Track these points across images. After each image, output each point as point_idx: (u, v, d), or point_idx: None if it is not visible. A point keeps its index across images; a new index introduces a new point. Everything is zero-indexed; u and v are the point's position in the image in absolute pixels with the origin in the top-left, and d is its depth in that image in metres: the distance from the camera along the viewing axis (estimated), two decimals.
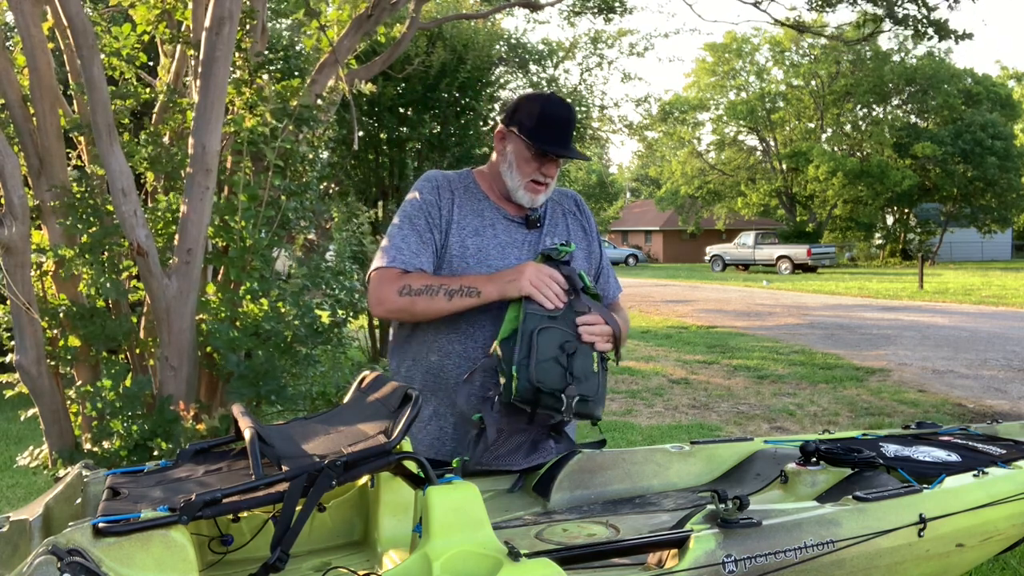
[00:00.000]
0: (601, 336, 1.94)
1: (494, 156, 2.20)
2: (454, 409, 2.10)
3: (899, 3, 7.42)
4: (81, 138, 3.76)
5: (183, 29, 3.86)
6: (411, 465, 1.55)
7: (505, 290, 1.95)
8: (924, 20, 7.40)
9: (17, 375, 3.35)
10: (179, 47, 3.94)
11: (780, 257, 31.42)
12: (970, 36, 7.66)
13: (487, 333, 2.04)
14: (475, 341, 2.05)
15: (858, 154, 37.25)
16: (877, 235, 40.60)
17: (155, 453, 3.14)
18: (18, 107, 3.30)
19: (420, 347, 2.14)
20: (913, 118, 38.64)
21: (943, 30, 7.42)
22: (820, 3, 7.79)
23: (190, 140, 3.25)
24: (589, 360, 1.89)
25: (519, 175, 2.10)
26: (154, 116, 4.02)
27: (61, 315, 3.45)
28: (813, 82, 37.75)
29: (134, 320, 3.67)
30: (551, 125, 2.06)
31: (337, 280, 4.03)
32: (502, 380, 1.88)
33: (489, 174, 2.19)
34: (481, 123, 9.54)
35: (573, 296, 1.94)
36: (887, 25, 7.88)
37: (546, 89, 11.15)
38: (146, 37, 3.93)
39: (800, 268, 30.65)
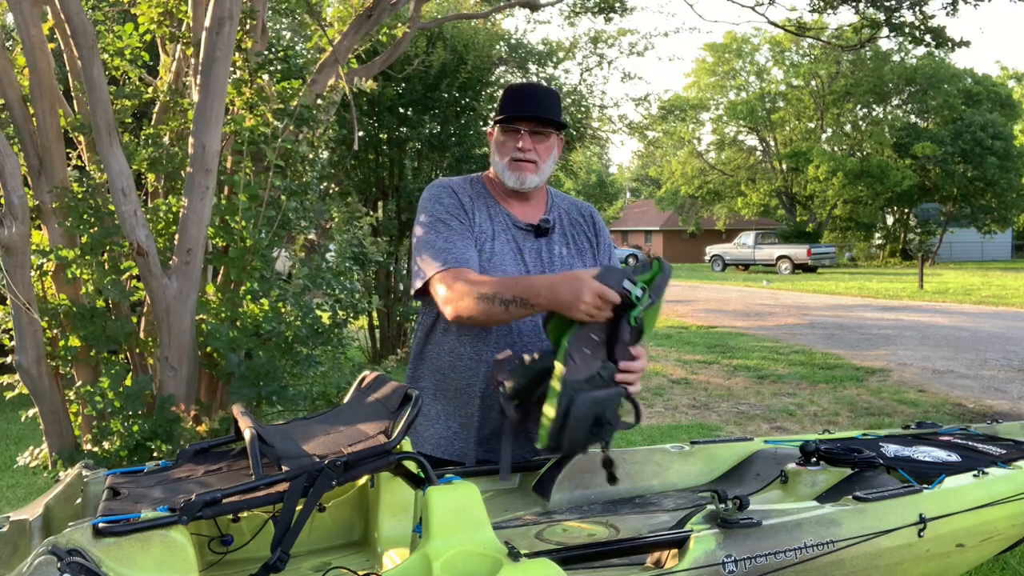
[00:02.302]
0: (637, 376, 1.91)
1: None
2: (463, 409, 2.12)
3: (897, 9, 7.42)
4: (81, 138, 3.76)
5: (183, 28, 3.86)
6: (411, 465, 1.55)
7: (560, 309, 1.85)
8: (922, 27, 7.39)
9: (17, 375, 3.35)
10: (179, 47, 3.94)
11: (780, 257, 31.43)
12: (967, 44, 7.63)
13: (500, 332, 2.05)
14: (486, 343, 2.06)
15: (858, 154, 37.25)
16: (877, 235, 40.61)
17: (155, 453, 3.14)
18: (18, 107, 3.29)
19: (434, 348, 2.15)
20: (913, 118, 38.63)
21: (941, 37, 7.40)
22: (821, 4, 7.79)
23: (190, 140, 3.25)
24: (616, 408, 1.84)
25: (500, 157, 2.13)
26: (154, 116, 4.02)
27: (61, 315, 3.45)
28: (813, 82, 37.75)
29: (134, 320, 3.67)
30: (514, 96, 2.13)
31: (338, 280, 4.03)
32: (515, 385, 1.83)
33: (494, 179, 2.20)
34: (481, 123, 9.55)
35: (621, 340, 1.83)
36: (885, 31, 7.86)
37: None
38: (148, 37, 3.93)
39: (800, 268, 30.65)
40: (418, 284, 2.08)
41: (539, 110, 2.10)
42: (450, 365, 2.11)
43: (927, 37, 7.43)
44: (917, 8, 7.33)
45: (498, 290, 1.90)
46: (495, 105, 9.77)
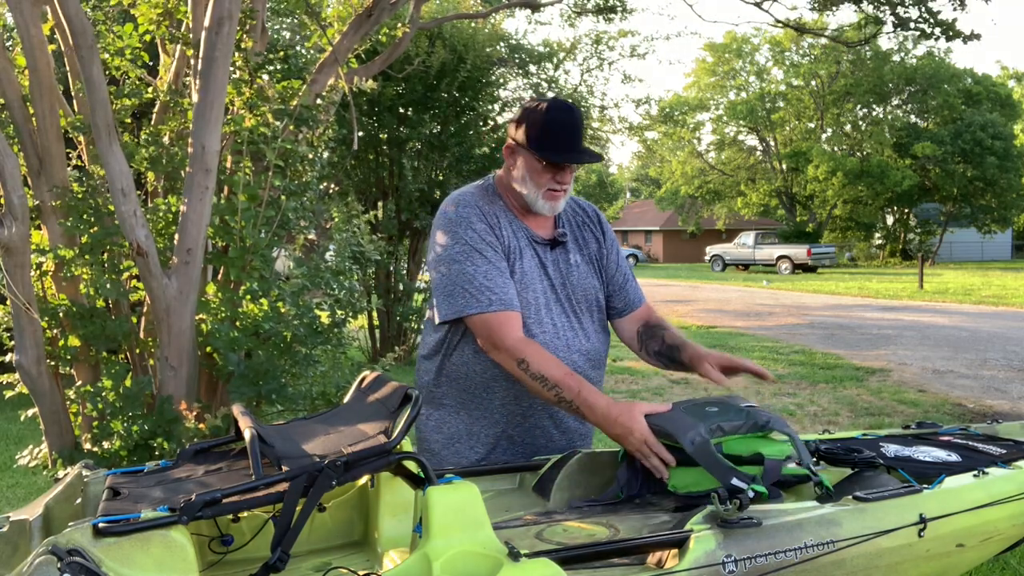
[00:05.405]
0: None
1: (503, 170, 2.18)
2: (490, 429, 2.12)
3: (902, 3, 7.36)
4: (81, 138, 3.76)
5: (183, 29, 3.86)
6: (411, 465, 1.55)
7: (611, 436, 1.92)
8: (930, 21, 7.30)
9: (17, 375, 3.35)
10: (179, 47, 3.94)
11: (780, 257, 31.44)
12: (978, 37, 7.49)
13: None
14: None
15: (858, 154, 37.25)
16: (877, 235, 40.62)
17: (155, 453, 3.14)
18: (18, 107, 3.29)
19: (461, 367, 2.12)
20: (913, 118, 38.63)
21: (951, 30, 7.29)
22: (822, 3, 7.77)
23: (190, 140, 3.25)
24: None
25: (534, 187, 2.07)
26: (154, 116, 4.02)
27: (61, 315, 3.45)
28: (813, 82, 37.75)
29: (134, 320, 3.67)
30: (557, 133, 2.02)
31: (337, 280, 4.03)
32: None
33: (507, 186, 2.16)
34: (481, 123, 9.55)
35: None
36: (889, 27, 7.80)
37: (547, 91, 11.13)
38: (148, 37, 3.93)
39: (800, 268, 30.67)
40: (448, 315, 2.04)
41: (584, 154, 2.07)
42: (483, 385, 2.10)
43: (936, 30, 7.32)
44: (921, 5, 7.26)
45: (560, 384, 1.94)
46: (495, 106, 9.77)
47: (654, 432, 1.86)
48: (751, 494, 1.68)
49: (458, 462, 2.12)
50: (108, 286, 3.42)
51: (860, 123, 39.08)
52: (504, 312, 2.00)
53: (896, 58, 36.47)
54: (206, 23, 3.21)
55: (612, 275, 2.26)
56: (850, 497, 1.74)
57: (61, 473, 3.20)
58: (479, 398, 2.12)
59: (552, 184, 2.06)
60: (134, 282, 3.65)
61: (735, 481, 1.70)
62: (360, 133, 8.53)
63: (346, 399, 1.80)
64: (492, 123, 9.71)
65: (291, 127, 3.72)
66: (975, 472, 1.93)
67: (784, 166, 38.29)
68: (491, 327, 1.99)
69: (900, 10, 7.39)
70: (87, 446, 3.37)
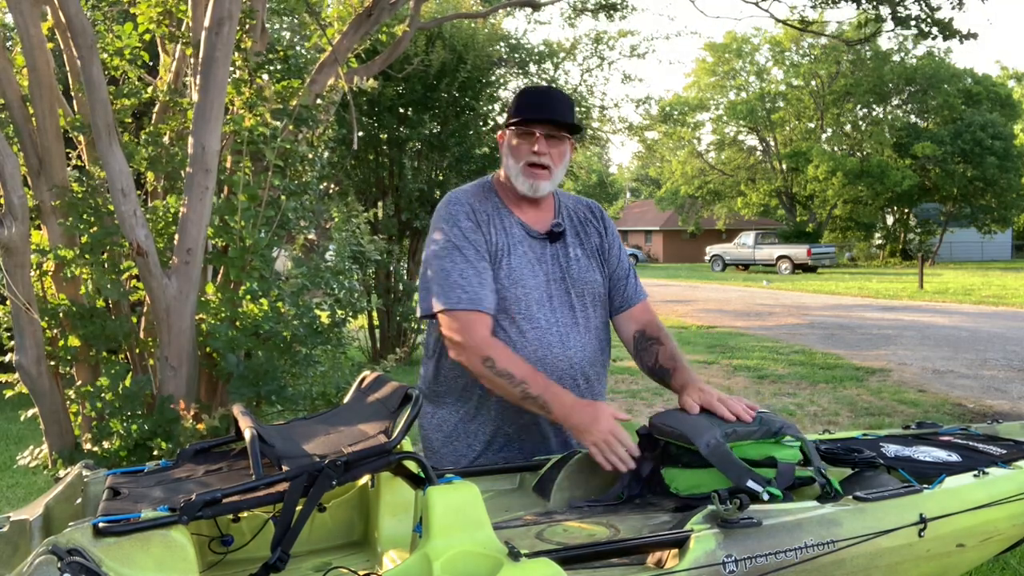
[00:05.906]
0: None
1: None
2: (486, 426, 2.13)
3: (902, 1, 7.35)
4: (81, 138, 3.75)
5: (183, 29, 3.86)
6: (411, 465, 1.55)
7: (572, 429, 1.95)
8: (928, 20, 7.31)
9: (17, 375, 3.34)
10: (179, 47, 3.94)
11: (780, 257, 31.44)
12: (974, 36, 7.50)
13: (532, 346, 2.07)
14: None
15: (858, 154, 37.25)
16: (877, 235, 40.63)
17: (155, 453, 3.14)
18: (18, 107, 3.29)
19: (455, 366, 2.12)
20: (913, 118, 38.62)
21: (948, 30, 7.30)
22: (823, 1, 7.76)
23: (190, 140, 3.25)
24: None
25: (514, 162, 2.11)
26: (154, 116, 4.02)
27: (61, 315, 3.45)
28: (813, 82, 37.74)
29: (134, 320, 3.67)
30: (530, 99, 2.12)
31: (337, 280, 4.03)
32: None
33: (503, 182, 2.19)
34: (481, 123, 9.54)
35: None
36: (889, 25, 7.80)
37: None
38: (148, 37, 3.93)
39: (800, 268, 30.67)
40: (424, 311, 2.08)
41: (555, 113, 2.09)
42: (477, 383, 2.10)
43: (934, 30, 7.32)
44: (923, 1, 7.25)
45: (527, 379, 1.95)
46: (495, 106, 9.77)
47: (669, 434, 1.86)
48: (766, 496, 1.68)
49: (456, 460, 2.13)
50: (108, 286, 3.42)
51: (860, 123, 39.07)
52: (472, 312, 2.01)
53: (896, 58, 36.45)
54: (206, 23, 3.20)
55: (613, 269, 2.26)
56: (850, 497, 1.74)
57: (61, 473, 3.20)
58: (474, 396, 2.13)
59: (530, 156, 2.08)
60: (134, 282, 3.64)
61: (751, 483, 1.70)
62: (360, 133, 8.53)
63: (346, 399, 1.81)
64: (492, 123, 9.71)
65: (291, 127, 3.72)
66: (975, 472, 1.93)
67: (784, 166, 38.28)
68: (456, 325, 2.01)
69: (900, 8, 7.39)
70: (87, 446, 3.36)
